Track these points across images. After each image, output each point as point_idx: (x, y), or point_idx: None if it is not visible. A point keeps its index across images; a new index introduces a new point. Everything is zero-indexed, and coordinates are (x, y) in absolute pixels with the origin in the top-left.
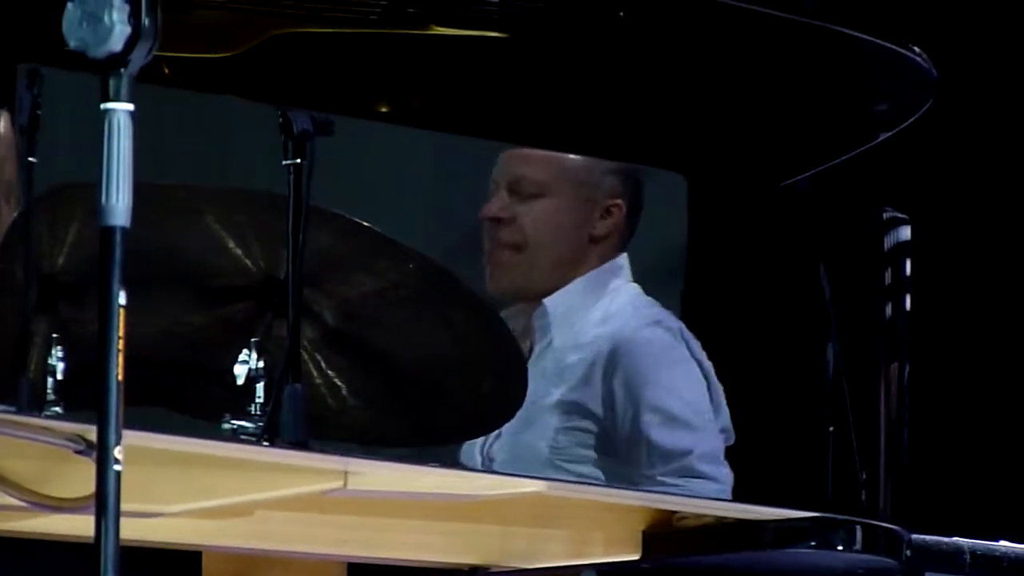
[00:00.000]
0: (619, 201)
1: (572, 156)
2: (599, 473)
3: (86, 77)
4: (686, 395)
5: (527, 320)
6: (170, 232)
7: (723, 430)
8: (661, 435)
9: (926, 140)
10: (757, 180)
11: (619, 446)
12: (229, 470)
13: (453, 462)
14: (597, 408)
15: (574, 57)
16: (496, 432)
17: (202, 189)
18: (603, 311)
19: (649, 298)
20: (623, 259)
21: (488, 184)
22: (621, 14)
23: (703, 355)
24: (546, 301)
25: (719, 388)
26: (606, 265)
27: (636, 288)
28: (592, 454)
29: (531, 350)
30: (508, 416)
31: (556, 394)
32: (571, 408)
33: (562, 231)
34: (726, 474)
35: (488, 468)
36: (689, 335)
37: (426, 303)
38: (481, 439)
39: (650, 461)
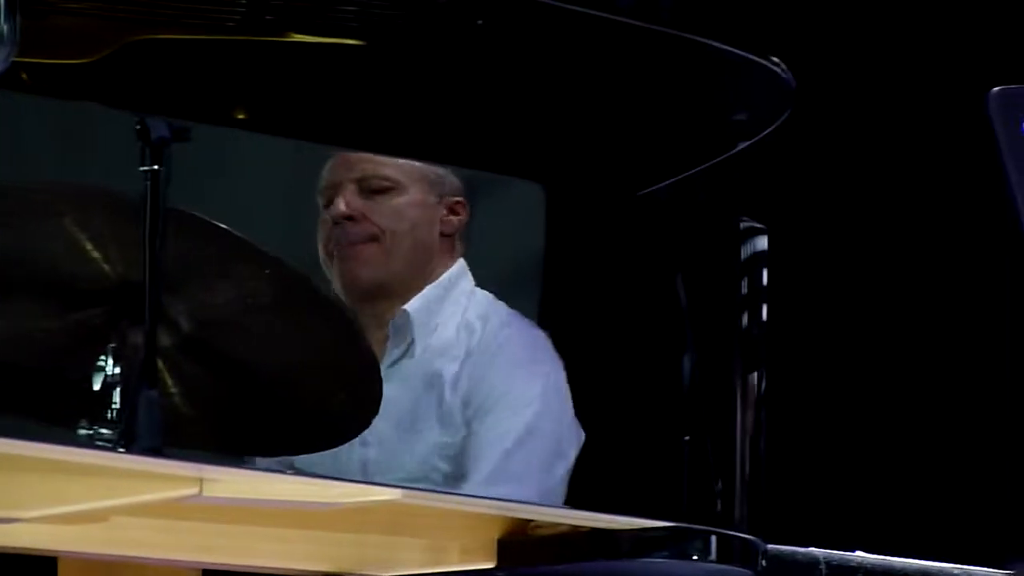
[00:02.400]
0: (463, 200)
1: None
2: (461, 483)
3: None
4: (541, 406)
5: (386, 327)
6: (27, 234)
7: (576, 439)
8: (514, 448)
9: (785, 150)
10: (615, 189)
11: (476, 456)
12: (85, 476)
13: (322, 469)
14: (458, 418)
15: (432, 65)
16: (367, 441)
17: (61, 191)
18: (462, 318)
19: (508, 307)
20: (462, 264)
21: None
22: (480, 22)
23: (558, 364)
24: (406, 308)
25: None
26: (456, 268)
27: (488, 295)
28: (454, 464)
29: (393, 358)
30: (364, 425)
31: (423, 402)
32: (434, 417)
33: (416, 225)
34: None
35: (356, 477)
36: (547, 343)
37: (283, 310)
38: (351, 447)
39: (506, 473)
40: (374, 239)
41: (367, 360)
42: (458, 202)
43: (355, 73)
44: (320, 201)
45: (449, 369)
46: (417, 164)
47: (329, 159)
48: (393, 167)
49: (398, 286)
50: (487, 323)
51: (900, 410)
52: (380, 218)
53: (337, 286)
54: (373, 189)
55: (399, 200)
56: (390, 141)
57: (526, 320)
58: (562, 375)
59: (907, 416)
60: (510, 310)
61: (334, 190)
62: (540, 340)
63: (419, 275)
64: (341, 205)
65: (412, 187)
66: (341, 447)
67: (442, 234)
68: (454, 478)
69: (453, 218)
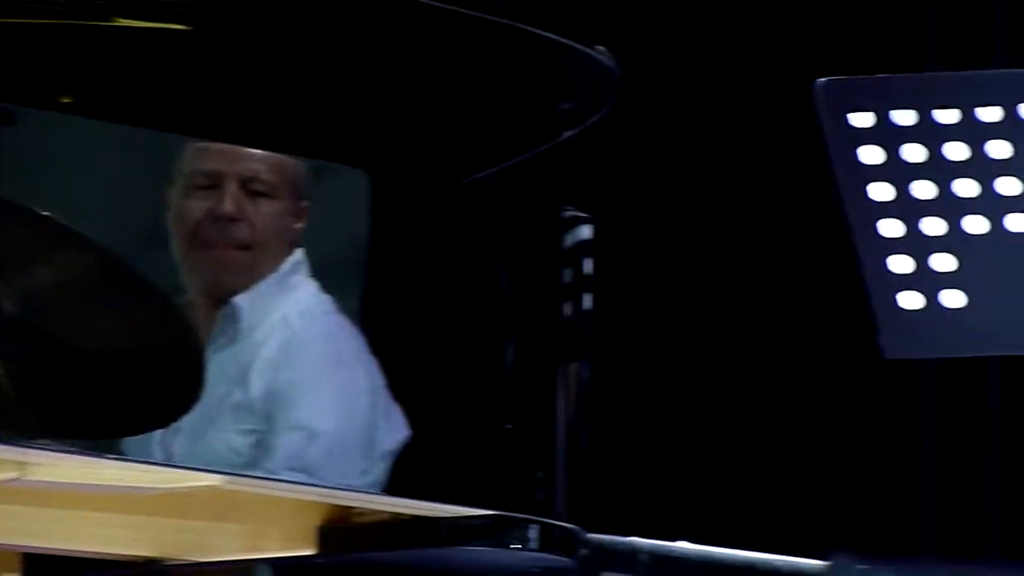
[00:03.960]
0: (308, 203)
1: (289, 158)
2: (271, 476)
3: None
4: (334, 405)
5: (213, 317)
6: None
7: (389, 432)
8: (312, 452)
9: (611, 139)
10: (440, 176)
11: (282, 448)
12: None
13: (131, 455)
14: (259, 409)
15: (258, 52)
16: (177, 428)
17: None
18: (283, 312)
19: (326, 301)
20: (301, 254)
21: (167, 180)
22: (303, 9)
23: (368, 361)
24: (235, 300)
25: (385, 393)
26: (290, 263)
27: (314, 288)
28: (264, 456)
29: (216, 347)
30: (184, 411)
31: (235, 394)
32: (248, 409)
33: (279, 232)
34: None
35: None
36: (357, 340)
37: (106, 295)
38: (160, 434)
39: (312, 465)
40: (246, 247)
41: (191, 347)
42: (306, 206)
43: (182, 59)
44: (182, 184)
45: (262, 361)
46: (290, 168)
47: (196, 145)
48: (273, 171)
49: (246, 287)
50: (305, 316)
51: (725, 401)
52: (257, 225)
53: (193, 275)
54: (255, 191)
55: (273, 207)
56: (218, 128)
57: (343, 313)
58: (376, 370)
59: (731, 407)
60: (330, 303)
61: (213, 181)
62: (354, 336)
63: (261, 273)
64: (229, 204)
65: (284, 193)
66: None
67: (293, 240)
68: (261, 468)
69: (303, 222)
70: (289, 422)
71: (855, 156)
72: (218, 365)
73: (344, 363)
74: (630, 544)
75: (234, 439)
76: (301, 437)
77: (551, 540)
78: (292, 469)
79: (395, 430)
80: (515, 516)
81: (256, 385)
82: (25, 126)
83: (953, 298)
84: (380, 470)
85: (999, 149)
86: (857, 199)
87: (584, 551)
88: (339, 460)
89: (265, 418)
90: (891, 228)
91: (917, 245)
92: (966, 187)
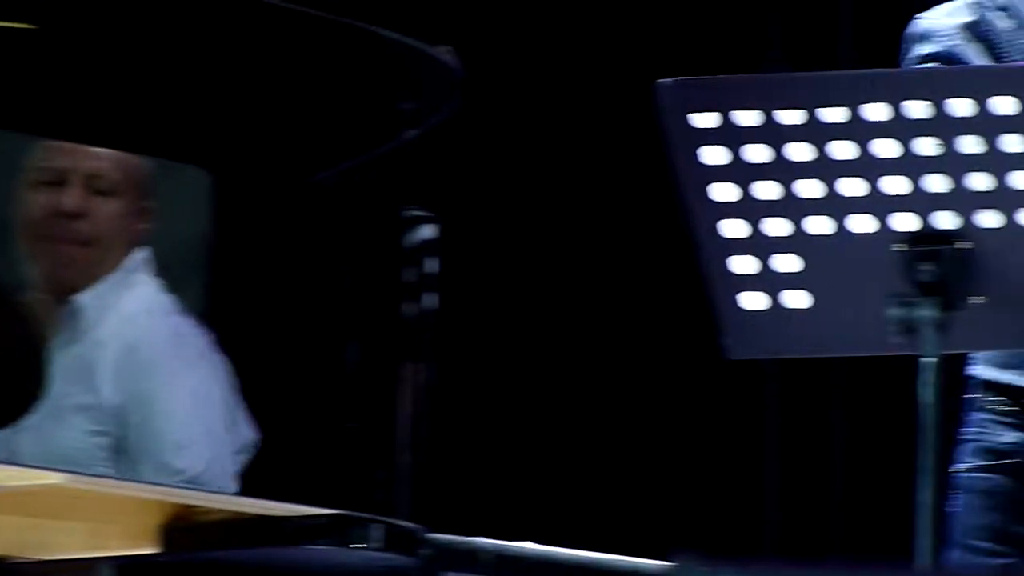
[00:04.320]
0: (153, 203)
1: (135, 157)
2: (118, 472)
3: None
4: (193, 408)
5: (56, 314)
6: None
7: (239, 430)
8: (166, 455)
9: (455, 138)
10: (282, 176)
11: (131, 454)
12: None
13: None
14: (113, 413)
15: (101, 51)
16: (22, 427)
17: None
18: (125, 311)
19: (169, 300)
20: (144, 253)
21: (15, 175)
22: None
23: (215, 359)
24: (77, 297)
25: (232, 390)
26: (131, 263)
27: (157, 287)
28: (111, 458)
29: (59, 345)
30: (27, 410)
31: (78, 394)
32: (91, 410)
33: (122, 231)
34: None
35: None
36: (203, 338)
37: None
38: (3, 433)
39: (160, 464)
40: (87, 244)
41: (34, 345)
42: (150, 207)
43: (25, 57)
44: (27, 179)
45: (108, 362)
46: (134, 167)
47: (44, 142)
48: (118, 169)
49: (87, 284)
50: (149, 316)
51: (569, 401)
52: (100, 223)
53: (35, 271)
54: (99, 189)
55: (116, 206)
56: (60, 126)
57: (188, 314)
58: (221, 370)
59: (576, 407)
60: (173, 302)
61: (58, 177)
62: (200, 334)
63: (103, 271)
64: (71, 200)
65: (128, 192)
66: None
67: (135, 239)
68: (111, 466)
69: (144, 225)
70: (151, 434)
71: (697, 157)
72: (61, 363)
73: (193, 364)
74: (472, 544)
75: (84, 440)
76: (170, 449)
77: (393, 539)
78: (154, 460)
79: (242, 430)
80: (357, 515)
81: (106, 389)
82: None
83: (796, 299)
84: (222, 461)
85: (842, 150)
86: (699, 200)
87: (426, 550)
88: (214, 464)
89: (120, 423)
90: (734, 229)
91: (760, 246)
92: (809, 188)
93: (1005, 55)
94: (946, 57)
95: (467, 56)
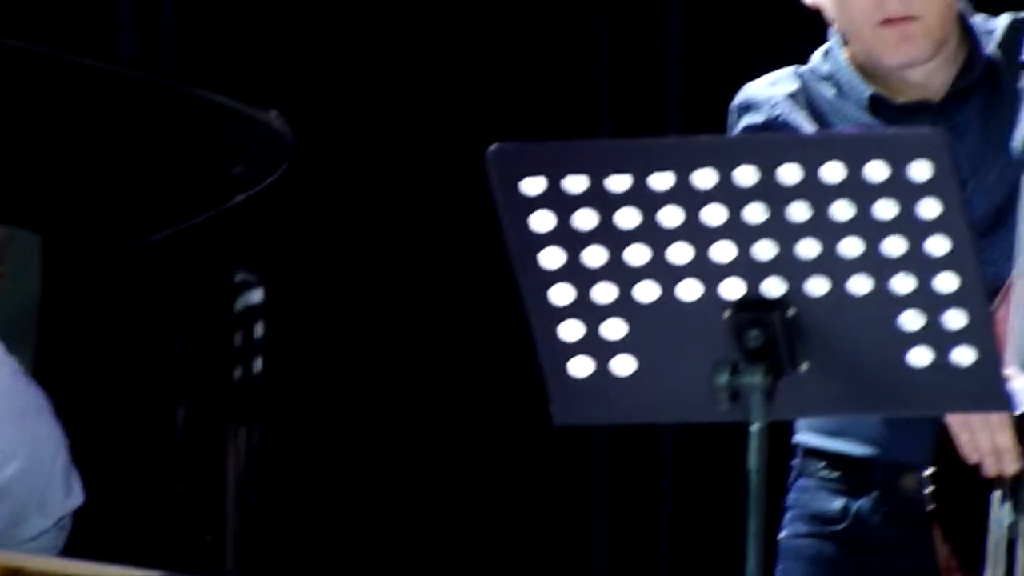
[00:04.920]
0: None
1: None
2: None
3: None
4: (24, 461)
5: None
6: None
7: (70, 492)
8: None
9: (283, 202)
10: (112, 238)
11: None
12: None
13: None
14: None
15: None
16: None
17: None
18: None
19: (8, 361)
20: None
21: None
22: None
23: (49, 419)
24: None
25: (64, 451)
26: None
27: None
28: None
29: None
30: None
31: None
32: None
33: None
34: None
35: None
36: (38, 397)
37: None
38: None
39: None
40: None
41: None
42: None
43: None
44: None
45: None
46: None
47: None
48: None
49: None
50: None
51: (399, 465)
52: None
53: None
54: None
55: None
56: None
57: (20, 372)
58: (54, 430)
59: (406, 472)
60: (13, 362)
61: None
62: (31, 393)
63: None
64: None
65: None
66: None
67: None
68: None
69: None
70: None
71: (527, 223)
72: None
73: (27, 420)
74: None
75: None
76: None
77: None
78: None
79: (72, 493)
80: None
81: None
82: None
83: (624, 365)
84: (56, 532)
85: (671, 216)
86: (528, 266)
87: None
88: (18, 515)
89: None
90: (562, 295)
91: (588, 312)
92: (638, 254)
93: (830, 123)
94: (773, 126)
95: (296, 120)
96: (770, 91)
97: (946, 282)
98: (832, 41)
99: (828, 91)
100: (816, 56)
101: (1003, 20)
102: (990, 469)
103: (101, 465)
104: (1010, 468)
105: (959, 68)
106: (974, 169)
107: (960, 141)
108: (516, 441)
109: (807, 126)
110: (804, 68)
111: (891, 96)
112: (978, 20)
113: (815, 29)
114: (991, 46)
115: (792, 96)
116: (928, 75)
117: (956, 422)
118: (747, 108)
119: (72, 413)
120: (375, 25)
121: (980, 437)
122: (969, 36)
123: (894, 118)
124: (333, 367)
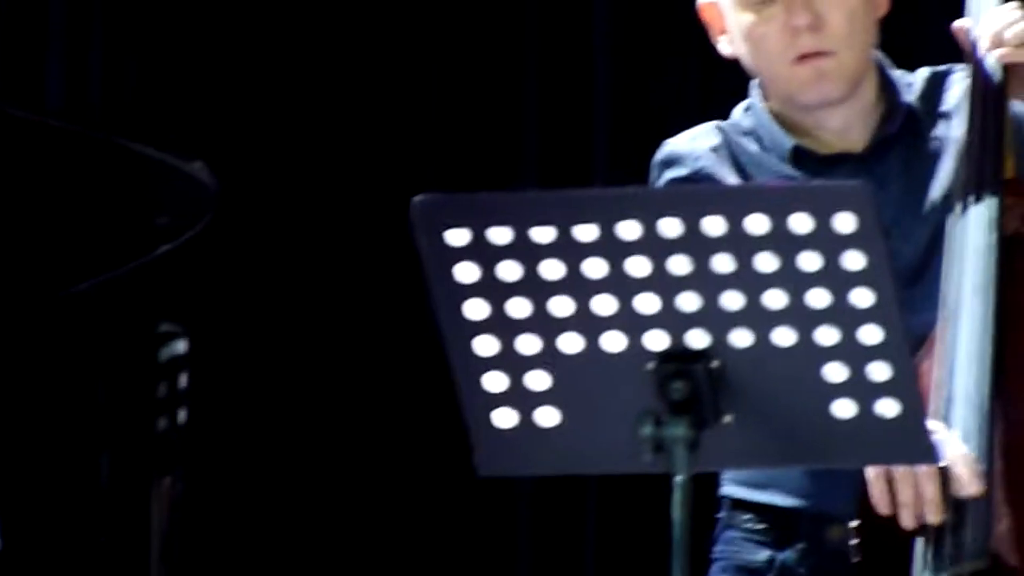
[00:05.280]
0: None
1: None
2: None
3: None
4: None
5: None
6: None
7: None
8: None
9: (208, 253)
10: (36, 288)
11: None
12: None
13: None
14: None
15: None
16: None
17: None
18: None
19: None
20: None
21: None
22: None
23: None
24: None
25: None
26: None
27: None
28: None
29: None
30: None
31: None
32: None
33: None
34: None
35: None
36: None
37: None
38: None
39: None
40: None
41: None
42: None
43: None
44: None
45: None
46: None
47: None
48: None
49: None
50: None
51: (320, 514)
52: None
53: None
54: None
55: None
56: None
57: None
58: None
59: (333, 525)
60: None
61: None
62: None
63: None
64: None
65: None
66: None
67: None
68: None
69: None
70: None
71: (451, 274)
72: None
73: None
74: None
75: None
76: None
77: None
78: None
79: None
80: None
81: None
82: None
83: (547, 416)
84: None
85: (596, 268)
86: (453, 317)
87: None
88: None
89: None
90: (486, 346)
91: (512, 363)
92: (562, 305)
93: (753, 177)
94: (697, 179)
95: (222, 170)
96: (692, 145)
97: (870, 334)
98: (753, 96)
99: (750, 145)
100: (737, 111)
101: (922, 72)
102: (907, 521)
103: (24, 514)
104: (933, 520)
105: (880, 118)
106: (897, 218)
107: (883, 191)
108: (440, 493)
109: (731, 179)
110: (725, 123)
111: (814, 148)
112: (897, 74)
113: (739, 82)
114: (911, 96)
115: (714, 150)
116: (847, 123)
117: (873, 474)
118: (669, 163)
119: None
120: (301, 75)
121: (902, 489)
122: (889, 87)
123: (817, 170)
124: (257, 417)
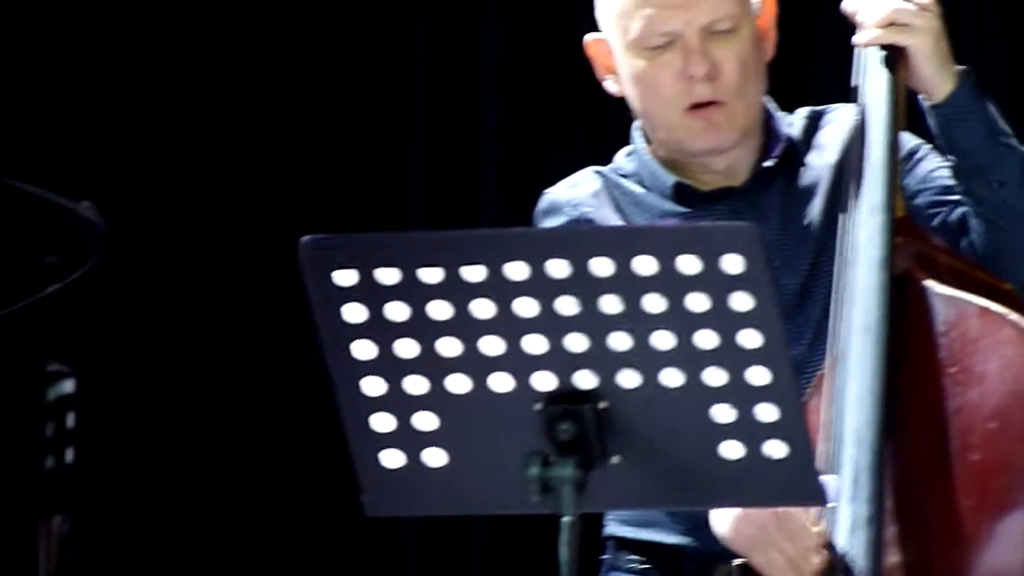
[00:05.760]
0: None
1: None
2: None
3: None
4: None
5: None
6: None
7: None
8: None
9: (95, 291)
10: None
11: None
12: None
13: None
14: None
15: None
16: None
17: None
18: None
19: None
20: None
21: None
22: None
23: None
24: None
25: None
26: None
27: None
28: None
29: None
30: None
31: None
32: None
33: None
34: None
35: None
36: None
37: None
38: None
39: None
40: None
41: None
42: None
43: None
44: None
45: None
46: None
47: None
48: None
49: None
50: None
51: (210, 553)
52: None
53: None
54: None
55: None
56: None
57: None
58: None
59: (218, 560)
60: None
61: None
62: None
63: None
64: None
65: None
66: None
67: None
68: None
69: None
70: None
71: (339, 314)
72: None
73: None
74: None
75: None
76: None
77: None
78: None
79: None
80: None
81: None
82: None
83: (435, 456)
84: None
85: (483, 309)
86: (341, 357)
87: None
88: None
89: None
90: (374, 387)
91: (400, 403)
92: (450, 346)
93: (635, 219)
94: (579, 224)
95: (109, 210)
96: (571, 193)
97: (758, 376)
98: (636, 139)
99: (633, 187)
100: (619, 156)
101: (802, 111)
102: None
103: None
104: (809, 568)
105: (760, 152)
106: (779, 249)
107: (764, 223)
108: (327, 533)
109: (613, 221)
110: (605, 168)
111: (695, 184)
112: (780, 113)
113: (625, 126)
114: (790, 131)
115: (595, 195)
116: (733, 165)
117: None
118: (549, 212)
119: None
120: (187, 114)
121: (772, 554)
122: (769, 121)
123: (699, 205)
124: (146, 456)
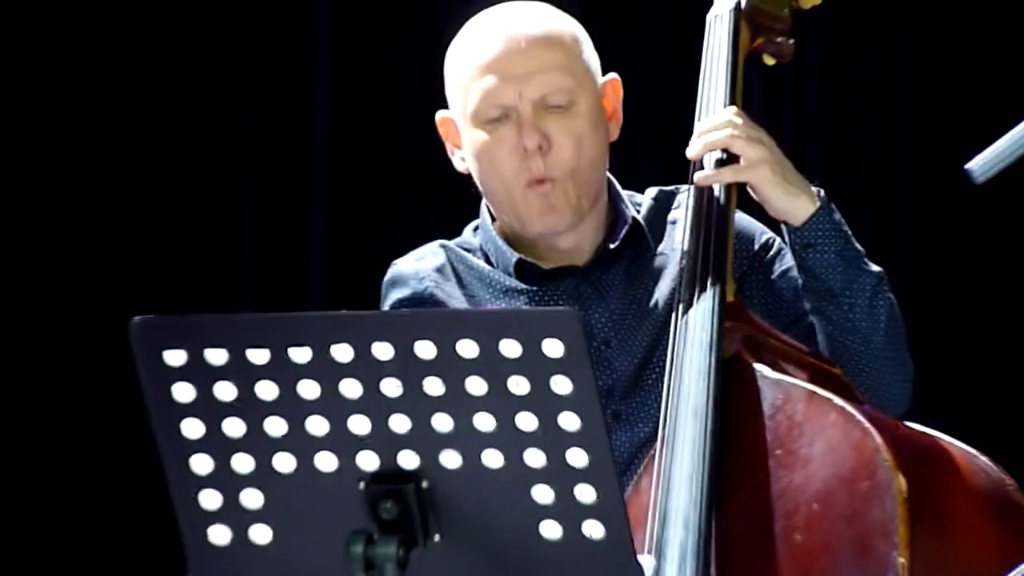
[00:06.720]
0: None
1: None
2: None
3: None
4: None
5: None
6: None
7: None
8: None
9: None
10: None
11: None
12: None
13: None
14: None
15: None
16: None
17: None
18: None
19: None
20: None
21: None
22: None
23: None
24: None
25: None
26: None
27: None
28: None
29: None
30: None
31: None
32: None
33: None
34: None
35: None
36: None
37: None
38: None
39: None
40: None
41: None
42: None
43: None
44: None
45: None
46: None
47: None
48: None
49: None
50: None
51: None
52: None
53: None
54: None
55: None
56: None
57: None
58: None
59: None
60: None
61: None
62: None
63: None
64: None
65: None
66: None
67: None
68: None
69: None
70: None
71: (169, 393)
72: None
73: None
74: None
75: None
76: None
77: None
78: None
79: None
80: None
81: None
82: None
83: (261, 533)
84: None
85: (309, 389)
86: (170, 436)
87: None
88: None
89: None
90: (202, 465)
91: (227, 481)
92: (276, 425)
93: (478, 294)
94: (422, 298)
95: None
96: (416, 266)
97: (577, 457)
98: (483, 214)
99: (478, 262)
100: (467, 231)
101: (651, 191)
102: None
103: None
104: None
105: (605, 231)
106: (617, 329)
107: (603, 303)
108: None
109: (456, 296)
110: (452, 242)
111: (538, 262)
112: (626, 193)
113: (457, 202)
114: (637, 212)
115: (439, 269)
116: (577, 244)
117: None
118: (394, 283)
119: None
120: (13, 191)
121: None
122: (614, 201)
123: (540, 283)
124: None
